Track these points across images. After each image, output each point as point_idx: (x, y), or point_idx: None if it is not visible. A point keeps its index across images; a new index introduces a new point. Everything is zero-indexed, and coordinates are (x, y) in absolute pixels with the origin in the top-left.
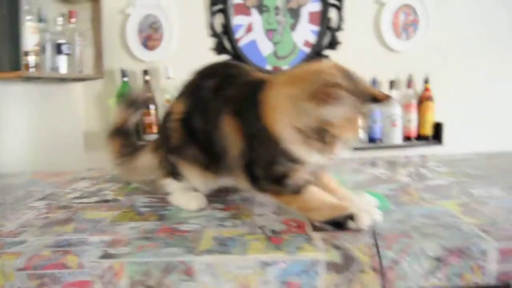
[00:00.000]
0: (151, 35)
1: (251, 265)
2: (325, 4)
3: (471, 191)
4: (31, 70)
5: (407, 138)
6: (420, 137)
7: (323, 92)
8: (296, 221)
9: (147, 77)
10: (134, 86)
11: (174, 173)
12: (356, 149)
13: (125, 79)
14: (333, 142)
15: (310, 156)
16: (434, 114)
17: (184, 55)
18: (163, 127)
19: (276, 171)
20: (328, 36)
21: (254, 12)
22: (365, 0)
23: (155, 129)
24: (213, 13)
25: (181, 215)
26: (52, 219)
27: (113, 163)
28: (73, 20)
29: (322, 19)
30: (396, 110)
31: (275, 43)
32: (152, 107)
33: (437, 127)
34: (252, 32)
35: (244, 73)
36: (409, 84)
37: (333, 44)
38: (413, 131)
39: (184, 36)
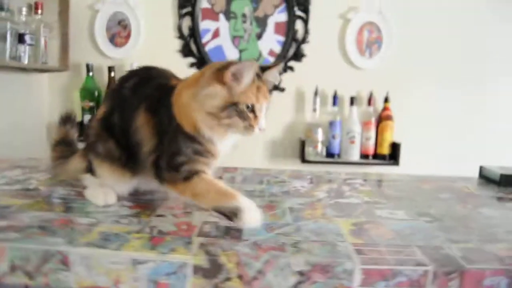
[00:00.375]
0: (119, 32)
1: (123, 262)
2: (292, 15)
3: (376, 212)
4: None
5: (364, 155)
6: (378, 156)
7: (226, 75)
8: (188, 224)
9: (112, 74)
10: (99, 81)
11: (90, 169)
12: (312, 162)
13: (90, 73)
14: (246, 114)
15: (224, 139)
16: (393, 133)
17: (150, 54)
18: (88, 126)
19: (177, 160)
20: (293, 47)
21: (222, 18)
22: (330, 14)
23: None
24: (181, 16)
25: (87, 209)
26: None
27: (48, 167)
28: (39, 11)
29: (288, 30)
30: (355, 127)
31: (240, 50)
32: None
33: (395, 147)
34: (219, 37)
35: (161, 76)
36: (370, 101)
37: (297, 56)
38: (371, 149)
39: (151, 36)
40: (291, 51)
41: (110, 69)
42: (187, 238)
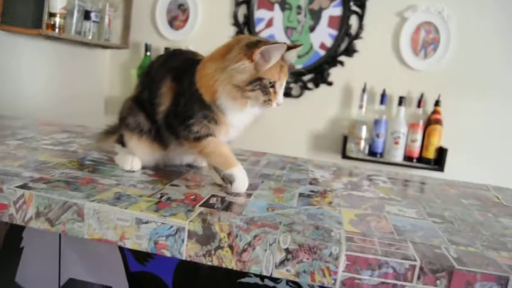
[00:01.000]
0: (178, 15)
1: (129, 219)
2: (347, 10)
3: (385, 207)
4: (56, 30)
5: (409, 158)
6: (422, 159)
7: (255, 53)
8: (196, 195)
9: None
10: None
11: (122, 141)
12: (352, 159)
13: (148, 53)
14: (268, 89)
15: (241, 111)
16: (440, 138)
17: (205, 39)
18: (121, 106)
19: (189, 121)
20: (345, 42)
21: (277, 8)
22: (387, 11)
23: None
24: (237, 4)
25: (113, 173)
26: (10, 154)
27: (96, 135)
28: None
29: (342, 24)
30: (401, 127)
31: (292, 41)
32: None
33: (441, 152)
34: (272, 27)
35: (187, 53)
36: (420, 103)
37: (349, 51)
38: (416, 151)
39: (208, 21)
40: (343, 46)
41: (166, 50)
42: (190, 206)
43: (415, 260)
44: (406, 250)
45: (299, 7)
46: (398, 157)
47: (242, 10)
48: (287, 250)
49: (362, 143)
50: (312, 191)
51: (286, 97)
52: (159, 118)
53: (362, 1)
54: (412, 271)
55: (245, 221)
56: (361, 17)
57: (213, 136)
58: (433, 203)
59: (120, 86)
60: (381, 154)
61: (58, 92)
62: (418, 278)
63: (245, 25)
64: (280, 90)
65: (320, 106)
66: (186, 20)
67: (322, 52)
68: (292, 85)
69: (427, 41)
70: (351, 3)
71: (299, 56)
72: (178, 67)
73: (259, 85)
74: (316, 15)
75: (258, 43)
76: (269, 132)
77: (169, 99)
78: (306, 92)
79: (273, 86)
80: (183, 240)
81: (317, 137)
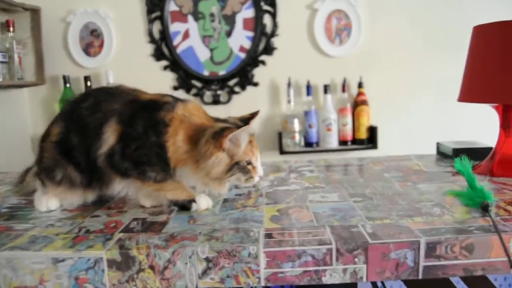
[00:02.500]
0: (92, 42)
1: (44, 261)
2: (259, 11)
3: (308, 197)
4: None
5: (343, 142)
6: (356, 141)
7: (224, 143)
8: (117, 222)
9: (89, 83)
10: (77, 91)
11: (41, 180)
12: (290, 153)
13: (68, 85)
14: (247, 169)
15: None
16: (369, 118)
17: (124, 61)
18: (40, 146)
19: (145, 169)
20: (263, 42)
21: (190, 19)
22: (298, 6)
23: None
24: (150, 21)
25: (30, 216)
26: None
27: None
28: (10, 29)
29: (257, 25)
30: (331, 114)
31: (211, 49)
32: None
33: (372, 131)
34: (189, 38)
35: (124, 91)
36: (344, 88)
37: (268, 50)
38: (349, 135)
39: (124, 43)
40: (261, 46)
41: (86, 78)
42: (109, 235)
43: (330, 244)
44: (323, 236)
45: (212, 14)
46: (333, 143)
47: (157, 26)
48: (207, 259)
49: (297, 136)
50: (237, 194)
51: (215, 105)
52: (99, 161)
53: (272, 0)
54: (330, 255)
55: (164, 239)
56: (274, 15)
57: (170, 179)
58: (355, 183)
59: (44, 123)
60: (317, 143)
61: None
62: (337, 259)
63: (162, 40)
64: (258, 163)
65: (250, 108)
66: (101, 45)
67: (242, 55)
68: (219, 92)
69: (340, 28)
70: (262, 3)
71: (221, 63)
72: (123, 111)
73: (238, 168)
74: (230, 20)
75: (223, 131)
76: None
77: (113, 139)
78: (234, 96)
79: (250, 163)
80: (103, 270)
81: None
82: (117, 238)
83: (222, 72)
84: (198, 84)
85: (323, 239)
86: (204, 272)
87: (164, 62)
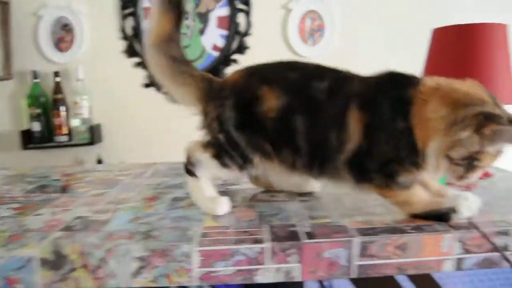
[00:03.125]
0: (63, 36)
1: None
2: (234, 9)
3: (257, 196)
4: None
5: None
6: None
7: (488, 128)
8: (58, 221)
9: (58, 79)
10: (45, 87)
11: (229, 156)
12: None
13: (36, 80)
14: (475, 170)
15: (439, 174)
16: None
17: (95, 57)
18: (247, 110)
19: (393, 167)
20: (236, 40)
21: None
22: (272, 5)
23: (65, 130)
24: (124, 16)
25: None
26: None
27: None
28: None
29: (230, 24)
30: None
31: (184, 47)
32: (62, 108)
33: None
34: None
35: (353, 76)
36: None
37: (241, 49)
38: None
39: (96, 39)
40: (235, 45)
41: (56, 74)
42: (46, 233)
43: (264, 243)
44: (260, 235)
45: (186, 12)
46: None
47: (130, 23)
48: (141, 258)
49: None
50: (187, 193)
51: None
52: (339, 161)
53: None
54: (263, 254)
55: (101, 238)
56: (248, 14)
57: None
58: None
59: (9, 119)
60: None
61: None
62: (271, 258)
63: (135, 37)
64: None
65: None
66: (72, 40)
67: (215, 54)
68: None
69: (314, 29)
70: (237, 2)
71: (193, 61)
72: (362, 93)
73: (469, 164)
74: (204, 17)
75: (497, 119)
76: (174, 141)
77: (357, 134)
78: None
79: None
80: (33, 270)
81: None
82: (54, 237)
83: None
84: None
85: (258, 238)
86: (137, 272)
87: (136, 59)
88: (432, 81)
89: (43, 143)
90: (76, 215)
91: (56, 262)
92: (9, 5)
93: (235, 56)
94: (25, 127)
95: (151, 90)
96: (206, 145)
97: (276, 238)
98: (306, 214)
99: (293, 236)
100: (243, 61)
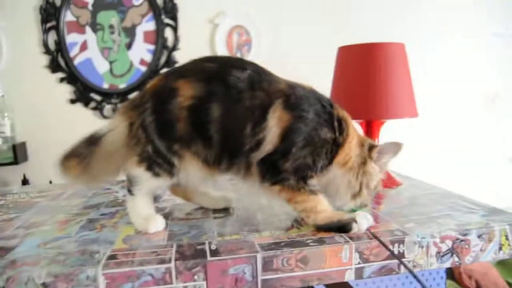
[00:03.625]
0: None
1: None
2: (160, 24)
3: (174, 214)
4: None
5: None
6: None
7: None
8: None
9: None
10: None
11: (157, 164)
12: None
13: None
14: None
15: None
16: None
17: (16, 72)
18: (163, 109)
19: (307, 173)
20: (164, 55)
21: (88, 30)
22: (199, 20)
23: None
24: (45, 30)
25: None
26: None
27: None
28: None
29: (158, 38)
30: None
31: (111, 62)
32: None
33: None
34: (87, 50)
35: (272, 73)
36: None
37: (169, 63)
38: None
39: (16, 53)
40: (163, 59)
41: None
42: None
43: (169, 262)
44: (166, 254)
45: (111, 26)
46: None
47: (52, 37)
48: (44, 285)
49: None
50: (103, 214)
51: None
52: (252, 157)
53: (173, 13)
54: (168, 273)
55: (2, 265)
56: (175, 29)
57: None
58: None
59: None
60: None
61: None
62: (176, 278)
63: (57, 52)
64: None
65: None
66: None
67: (143, 68)
68: (119, 105)
69: (241, 44)
70: (163, 17)
71: (121, 75)
72: (290, 94)
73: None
74: (130, 32)
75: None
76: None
77: (277, 132)
78: None
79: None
80: None
81: None
82: None
83: (122, 85)
84: (97, 97)
85: (163, 258)
86: None
87: (60, 74)
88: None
89: None
90: None
91: None
92: None
93: (164, 71)
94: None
95: (78, 105)
96: (139, 160)
97: (181, 257)
98: (216, 231)
99: (199, 254)
100: None
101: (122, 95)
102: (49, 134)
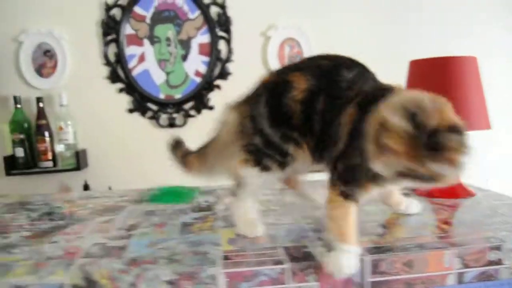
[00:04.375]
0: (45, 62)
1: None
2: (214, 37)
3: (266, 220)
4: None
5: None
6: None
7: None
8: (76, 248)
9: (41, 104)
10: (28, 112)
11: (267, 156)
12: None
13: (18, 106)
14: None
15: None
16: None
17: (78, 82)
18: (279, 100)
19: (355, 177)
20: (218, 66)
21: (146, 43)
22: (251, 33)
23: (49, 156)
24: (106, 43)
25: None
26: None
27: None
28: None
29: (212, 50)
30: None
31: (167, 73)
32: (46, 134)
33: None
34: (145, 61)
35: (372, 76)
36: None
37: (223, 74)
38: None
39: (78, 64)
40: (217, 71)
41: (39, 100)
42: (69, 260)
43: (283, 264)
44: (277, 256)
45: (168, 39)
46: None
47: (112, 49)
48: (169, 282)
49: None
50: (195, 218)
51: (170, 128)
52: (332, 152)
53: (227, 26)
54: (284, 274)
55: (125, 263)
56: (228, 41)
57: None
58: (306, 206)
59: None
60: None
61: None
62: (291, 278)
63: (117, 63)
64: None
65: (206, 131)
66: (55, 66)
67: (198, 79)
68: (174, 115)
69: (292, 56)
70: (217, 29)
71: (177, 86)
72: (367, 94)
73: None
74: (186, 44)
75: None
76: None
77: (344, 135)
78: (190, 120)
79: None
80: None
81: None
82: (79, 264)
83: (178, 95)
84: (153, 107)
85: (278, 260)
86: None
87: (119, 85)
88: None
89: (27, 169)
90: (92, 242)
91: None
92: None
93: (218, 82)
94: (6, 153)
95: (135, 114)
96: (245, 158)
97: (293, 259)
98: (312, 236)
99: (308, 256)
100: (226, 86)
101: (178, 105)
102: (108, 142)
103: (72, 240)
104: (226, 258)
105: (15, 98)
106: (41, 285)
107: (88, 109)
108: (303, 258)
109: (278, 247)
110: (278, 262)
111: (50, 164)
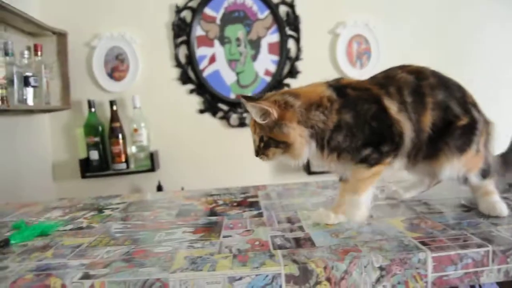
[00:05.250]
0: (117, 66)
1: (220, 281)
2: (284, 36)
3: (417, 209)
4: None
5: None
6: None
7: None
8: (259, 241)
9: (114, 107)
10: (101, 115)
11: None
12: (318, 173)
13: (92, 109)
14: None
15: None
16: None
17: (150, 85)
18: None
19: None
20: (287, 65)
21: (217, 43)
22: (320, 30)
23: (123, 158)
24: (177, 45)
25: (153, 239)
26: (30, 246)
27: None
28: (39, 53)
29: (281, 50)
30: None
31: (237, 73)
32: (120, 136)
33: None
34: (216, 62)
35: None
36: None
37: (292, 73)
38: None
39: (149, 67)
40: (286, 69)
41: (112, 103)
42: (267, 251)
43: (487, 247)
44: (474, 240)
45: (238, 39)
46: None
47: (183, 51)
48: (381, 268)
49: None
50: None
51: (241, 127)
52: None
53: (296, 25)
54: (487, 256)
55: (330, 252)
56: (297, 40)
57: None
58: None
59: (65, 149)
60: None
61: (4, 168)
62: (493, 260)
63: (188, 64)
64: None
65: None
66: (126, 69)
67: (268, 78)
68: (245, 114)
69: (361, 52)
70: (286, 29)
71: (247, 86)
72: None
73: None
74: (255, 44)
75: None
76: (231, 165)
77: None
78: None
79: None
80: (280, 286)
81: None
82: (281, 254)
83: (249, 94)
84: (224, 107)
85: (479, 243)
86: (377, 280)
87: (190, 86)
88: None
89: (101, 171)
90: (268, 234)
91: (301, 277)
92: (66, 36)
93: (287, 80)
94: (81, 156)
95: (206, 115)
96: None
97: (492, 242)
98: (486, 222)
99: (506, 240)
100: (295, 85)
101: None
102: (180, 143)
103: (243, 234)
104: (424, 244)
105: (89, 102)
106: (255, 276)
107: (159, 110)
108: (502, 241)
109: (468, 233)
110: (481, 245)
111: (123, 166)
